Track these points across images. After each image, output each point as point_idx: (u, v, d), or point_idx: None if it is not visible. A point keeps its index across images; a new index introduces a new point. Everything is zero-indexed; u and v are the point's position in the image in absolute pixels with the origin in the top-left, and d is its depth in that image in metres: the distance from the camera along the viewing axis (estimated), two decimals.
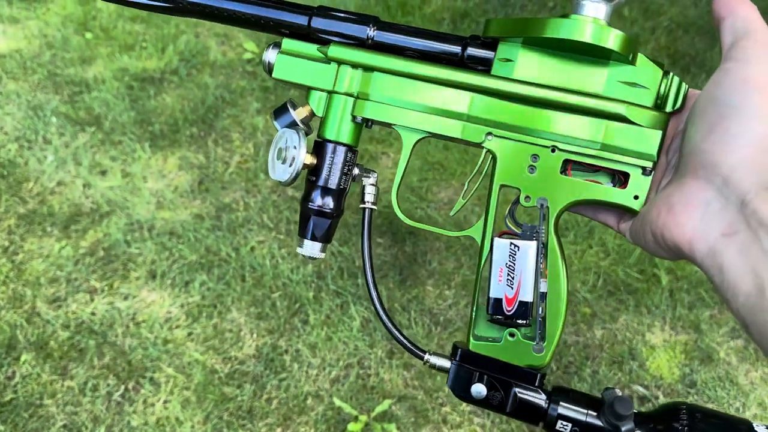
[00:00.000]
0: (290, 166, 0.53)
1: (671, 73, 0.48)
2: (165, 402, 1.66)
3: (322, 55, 0.53)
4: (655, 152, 0.48)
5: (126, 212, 2.14)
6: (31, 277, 1.93)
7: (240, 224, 2.12)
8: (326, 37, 0.54)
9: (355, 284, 1.95)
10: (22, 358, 1.72)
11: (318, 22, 0.54)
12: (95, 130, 2.46)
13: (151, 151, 2.38)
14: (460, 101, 0.51)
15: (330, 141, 0.54)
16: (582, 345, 1.84)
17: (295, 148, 0.53)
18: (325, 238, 0.56)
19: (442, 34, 0.53)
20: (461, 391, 0.52)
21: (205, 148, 2.42)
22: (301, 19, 0.54)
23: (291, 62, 0.54)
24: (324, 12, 0.54)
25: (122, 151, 2.38)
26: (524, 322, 0.51)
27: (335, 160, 0.54)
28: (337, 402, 1.67)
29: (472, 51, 0.51)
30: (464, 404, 1.69)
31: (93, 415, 1.62)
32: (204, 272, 1.96)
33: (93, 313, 1.84)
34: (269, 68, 0.55)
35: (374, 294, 0.55)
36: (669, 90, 0.48)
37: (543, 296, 0.50)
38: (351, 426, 1.63)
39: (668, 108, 0.49)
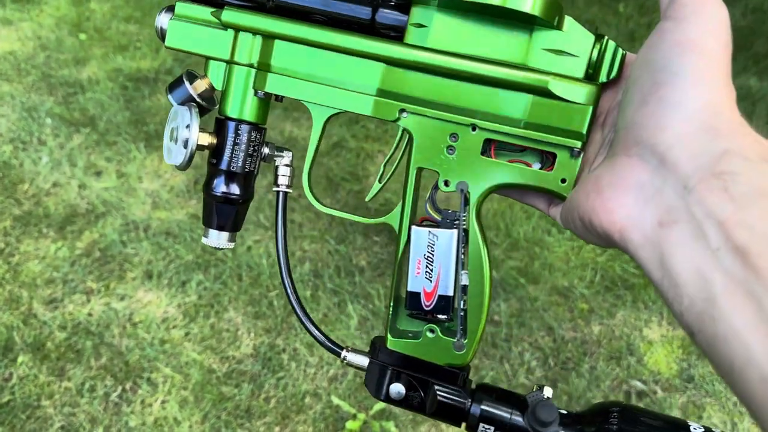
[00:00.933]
0: (184, 147, 0.47)
1: (606, 38, 0.43)
2: (163, 402, 1.65)
3: (217, 20, 0.47)
4: (583, 131, 0.43)
5: (122, 213, 2.13)
6: (27, 278, 1.92)
7: None
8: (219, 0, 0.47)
9: (353, 282, 1.94)
10: (19, 360, 1.72)
11: None
12: (90, 131, 2.45)
13: (146, 152, 2.37)
14: (369, 73, 0.45)
15: (231, 119, 0.48)
16: (579, 341, 1.84)
17: (187, 127, 0.47)
18: (233, 227, 0.50)
19: None
20: (379, 391, 0.49)
21: None
22: None
23: (185, 29, 0.48)
24: None
25: (117, 151, 2.37)
26: (445, 317, 0.47)
27: (238, 140, 0.48)
28: (336, 400, 1.67)
29: (383, 14, 0.45)
30: None
31: (91, 416, 1.62)
32: (200, 272, 1.95)
33: (90, 314, 1.84)
34: (162, 35, 0.49)
35: (288, 286, 0.51)
36: (603, 57, 0.43)
37: (464, 289, 0.46)
38: (349, 424, 1.62)
39: (602, 77, 0.43)
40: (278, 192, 0.51)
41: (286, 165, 0.51)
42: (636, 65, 0.39)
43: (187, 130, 0.47)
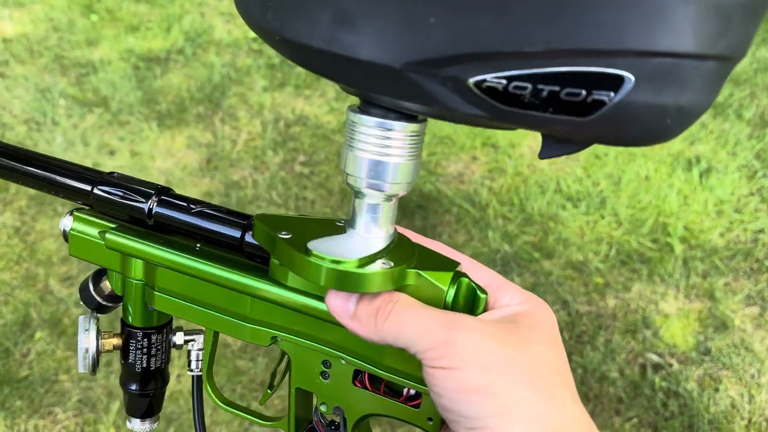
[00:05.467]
0: (85, 352, 0.49)
1: (463, 280, 0.40)
2: (178, 376, 1.67)
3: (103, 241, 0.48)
4: None
5: None
6: (43, 256, 1.94)
7: (249, 201, 2.11)
8: (108, 212, 0.49)
9: None
10: (37, 336, 1.74)
11: (99, 193, 0.48)
12: (103, 111, 2.46)
13: (158, 131, 2.38)
14: (240, 303, 0.45)
15: (132, 326, 0.50)
16: (594, 314, 1.83)
17: (86, 332, 0.49)
18: (150, 413, 0.54)
19: (227, 212, 0.47)
20: None
21: (213, 126, 2.41)
22: (85, 188, 0.48)
23: (82, 241, 0.49)
24: (108, 180, 0.48)
25: (130, 131, 2.38)
26: None
27: (141, 344, 0.51)
28: None
29: (250, 239, 0.46)
30: None
31: (107, 390, 1.64)
32: None
33: None
34: (65, 238, 0.50)
35: None
36: (459, 296, 0.40)
37: None
38: None
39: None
40: (193, 376, 0.53)
41: (199, 350, 0.52)
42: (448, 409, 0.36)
43: (86, 339, 0.49)
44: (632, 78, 0.27)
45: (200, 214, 0.47)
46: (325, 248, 0.37)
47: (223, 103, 2.52)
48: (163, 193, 0.48)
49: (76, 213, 0.50)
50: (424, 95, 0.30)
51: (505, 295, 0.40)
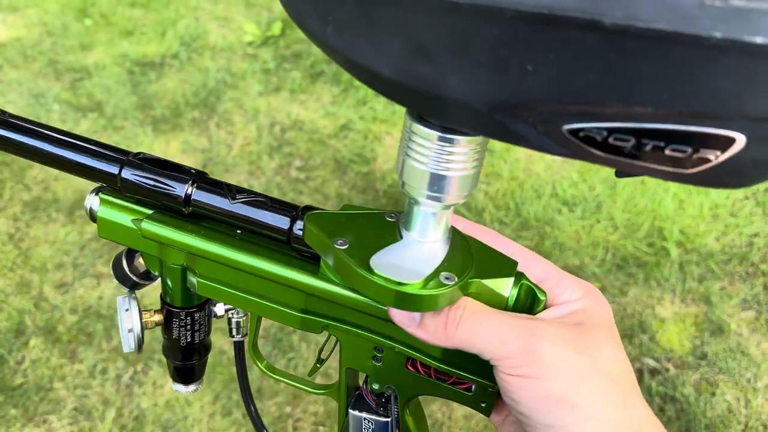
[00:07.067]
0: (129, 332, 0.49)
1: (524, 283, 0.40)
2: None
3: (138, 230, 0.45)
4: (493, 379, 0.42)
5: None
6: (37, 263, 1.93)
7: None
8: (137, 196, 0.45)
9: None
10: (31, 343, 1.73)
11: (128, 174, 0.44)
12: (97, 116, 2.44)
13: (153, 136, 2.37)
14: (289, 295, 0.44)
15: (174, 306, 0.49)
16: None
17: (127, 312, 0.49)
18: (193, 380, 0.55)
19: (271, 202, 0.44)
20: None
21: (208, 131, 2.41)
22: (112, 169, 0.45)
23: (113, 225, 0.46)
24: (135, 162, 0.45)
25: (125, 136, 2.37)
26: None
27: (182, 322, 0.50)
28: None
29: (298, 232, 0.42)
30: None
31: (103, 398, 1.63)
32: None
33: (100, 298, 1.84)
34: (92, 217, 0.47)
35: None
36: (522, 295, 0.40)
37: None
38: None
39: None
40: (235, 342, 0.54)
41: (240, 317, 0.53)
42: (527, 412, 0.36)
43: (128, 318, 0.49)
44: (744, 139, 0.26)
45: (247, 203, 0.44)
46: (388, 266, 0.36)
47: (219, 107, 2.51)
48: (200, 178, 0.45)
49: (102, 195, 0.47)
50: (510, 135, 0.27)
51: (564, 290, 0.40)
